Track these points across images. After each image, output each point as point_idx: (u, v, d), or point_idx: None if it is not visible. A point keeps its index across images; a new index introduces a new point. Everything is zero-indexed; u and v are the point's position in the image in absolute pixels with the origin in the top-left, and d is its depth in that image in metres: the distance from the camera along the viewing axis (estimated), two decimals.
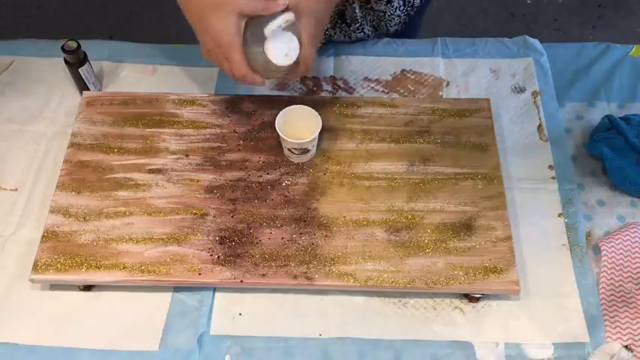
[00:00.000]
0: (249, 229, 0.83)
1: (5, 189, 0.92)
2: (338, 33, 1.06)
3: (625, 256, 0.85)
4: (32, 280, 0.80)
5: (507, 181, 0.90)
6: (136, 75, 1.05)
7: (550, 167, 0.94)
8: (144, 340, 0.79)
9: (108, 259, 0.81)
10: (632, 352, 0.78)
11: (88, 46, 0.98)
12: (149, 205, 0.85)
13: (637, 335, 0.79)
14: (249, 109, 0.95)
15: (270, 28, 0.73)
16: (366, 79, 1.04)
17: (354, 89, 1.03)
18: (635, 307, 0.81)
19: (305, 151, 0.87)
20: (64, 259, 0.81)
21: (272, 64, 0.76)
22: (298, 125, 0.87)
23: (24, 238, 0.87)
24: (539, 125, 0.98)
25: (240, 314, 0.82)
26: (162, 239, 0.82)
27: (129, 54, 1.07)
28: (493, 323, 0.81)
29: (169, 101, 0.96)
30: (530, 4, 2.17)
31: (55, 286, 0.83)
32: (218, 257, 0.81)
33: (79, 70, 0.95)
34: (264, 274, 0.80)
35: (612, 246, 0.85)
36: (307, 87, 1.03)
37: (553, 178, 0.93)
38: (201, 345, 0.79)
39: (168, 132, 0.92)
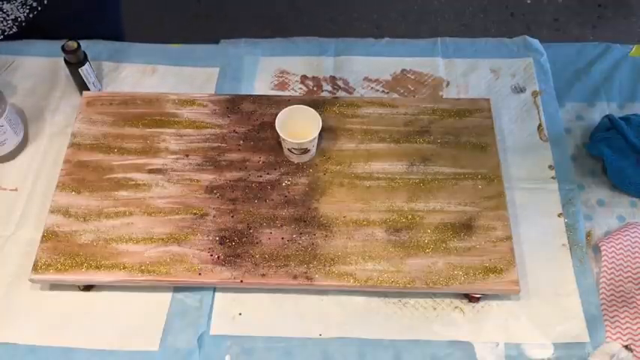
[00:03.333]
0: (249, 229, 0.83)
1: (5, 189, 0.92)
2: None
3: (625, 256, 0.85)
4: (32, 280, 0.80)
5: (507, 181, 0.90)
6: (136, 75, 1.05)
7: (550, 167, 0.94)
8: (144, 340, 0.79)
9: (108, 259, 0.81)
10: (632, 352, 0.78)
11: (88, 46, 0.98)
12: (149, 205, 0.85)
13: (637, 335, 0.79)
14: (249, 109, 0.95)
15: None
16: (366, 79, 1.04)
17: (354, 89, 1.03)
18: (635, 307, 0.81)
19: (305, 151, 0.87)
20: (64, 259, 0.81)
21: None
22: (298, 125, 0.87)
23: (24, 238, 0.87)
24: (539, 125, 0.98)
25: (240, 314, 0.82)
26: (162, 239, 0.82)
27: (129, 54, 1.07)
28: (493, 323, 0.81)
29: (169, 101, 0.96)
30: (530, 4, 2.17)
31: (55, 286, 0.83)
32: (218, 257, 0.81)
33: (79, 70, 0.95)
34: (264, 274, 0.80)
35: (612, 246, 0.85)
36: (307, 87, 1.03)
37: (553, 178, 0.93)
38: (201, 345, 0.79)
39: (168, 132, 0.92)
